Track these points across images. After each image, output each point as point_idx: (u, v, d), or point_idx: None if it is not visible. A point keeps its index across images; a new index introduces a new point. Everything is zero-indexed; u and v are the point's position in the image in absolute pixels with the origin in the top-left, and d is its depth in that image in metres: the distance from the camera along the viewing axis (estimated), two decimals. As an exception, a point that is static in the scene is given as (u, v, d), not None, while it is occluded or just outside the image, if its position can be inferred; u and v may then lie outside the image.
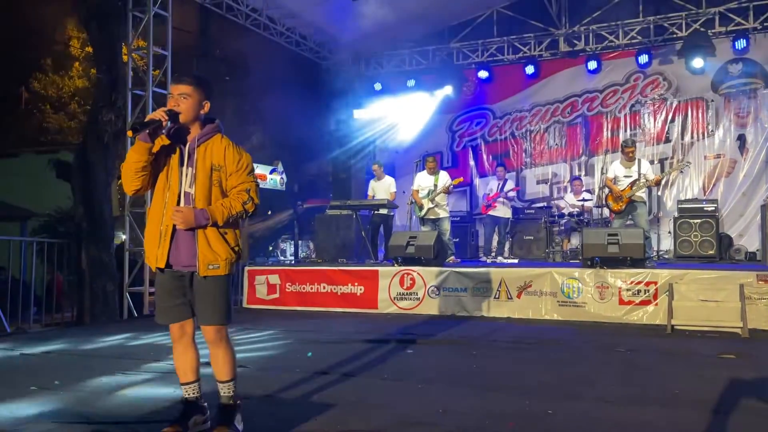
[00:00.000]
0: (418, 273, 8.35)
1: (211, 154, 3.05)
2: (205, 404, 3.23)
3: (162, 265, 3.01)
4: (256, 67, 13.04)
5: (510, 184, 10.93)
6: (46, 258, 8.49)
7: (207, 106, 3.09)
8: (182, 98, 3.01)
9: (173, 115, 2.96)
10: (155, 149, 3.01)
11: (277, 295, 9.08)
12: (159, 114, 2.93)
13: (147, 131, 2.90)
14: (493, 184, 10.79)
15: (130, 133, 2.95)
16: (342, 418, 3.45)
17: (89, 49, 15.40)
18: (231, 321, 3.13)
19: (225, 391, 3.13)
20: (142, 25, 9.06)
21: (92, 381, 4.40)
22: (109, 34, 8.95)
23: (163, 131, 3.01)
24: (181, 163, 3.03)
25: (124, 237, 9.17)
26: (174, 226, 2.99)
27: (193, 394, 3.16)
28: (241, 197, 3.04)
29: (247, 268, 9.45)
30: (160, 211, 3.04)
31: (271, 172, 16.14)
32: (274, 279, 9.12)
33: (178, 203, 3.01)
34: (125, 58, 9.21)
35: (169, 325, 3.13)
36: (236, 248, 3.08)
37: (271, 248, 10.62)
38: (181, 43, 9.96)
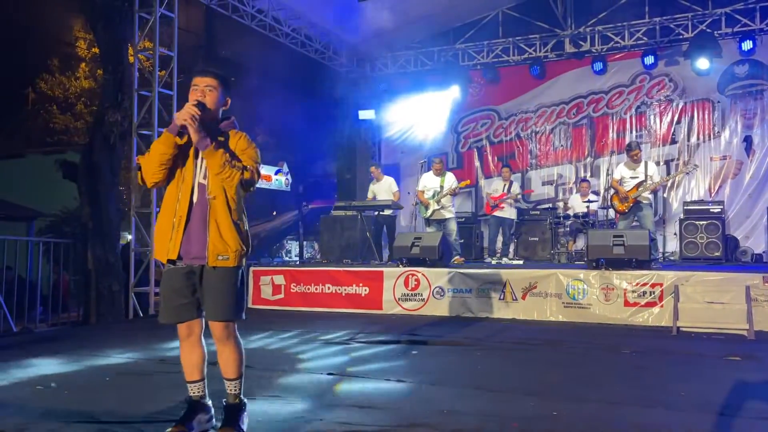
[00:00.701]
0: (422, 274, 8.35)
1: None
2: (210, 403, 3.23)
3: (174, 257, 2.99)
4: (262, 68, 13.08)
5: (516, 186, 10.91)
6: (52, 258, 8.52)
7: (228, 102, 3.16)
8: (208, 90, 3.05)
9: (201, 106, 2.98)
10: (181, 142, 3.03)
11: (282, 296, 9.09)
12: (191, 111, 2.93)
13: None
14: (498, 184, 10.78)
15: (179, 141, 2.98)
16: (346, 419, 3.45)
17: (96, 49, 15.47)
18: (241, 317, 3.10)
19: (231, 389, 3.12)
20: (148, 26, 9.08)
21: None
22: (115, 34, 8.97)
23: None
24: (196, 156, 3.05)
25: (129, 237, 9.19)
26: (187, 218, 2.99)
27: (198, 392, 3.16)
28: (242, 163, 3.04)
29: (252, 269, 9.47)
30: (173, 203, 3.04)
31: (276, 173, 16.18)
32: (279, 279, 9.14)
33: (192, 195, 3.02)
34: (131, 59, 9.24)
35: (176, 325, 3.12)
36: (247, 241, 3.08)
37: (275, 247, 10.66)
38: (187, 43, 9.99)
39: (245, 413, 3.13)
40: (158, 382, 4.42)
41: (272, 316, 8.39)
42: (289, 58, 12.45)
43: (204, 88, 3.04)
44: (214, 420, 3.17)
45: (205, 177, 3.02)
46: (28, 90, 20.68)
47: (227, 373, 3.12)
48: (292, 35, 11.86)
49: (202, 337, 3.18)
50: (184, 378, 3.17)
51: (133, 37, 9.11)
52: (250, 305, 9.30)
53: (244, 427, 3.09)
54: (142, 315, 8.69)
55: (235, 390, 3.11)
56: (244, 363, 3.16)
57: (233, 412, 3.09)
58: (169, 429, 3.03)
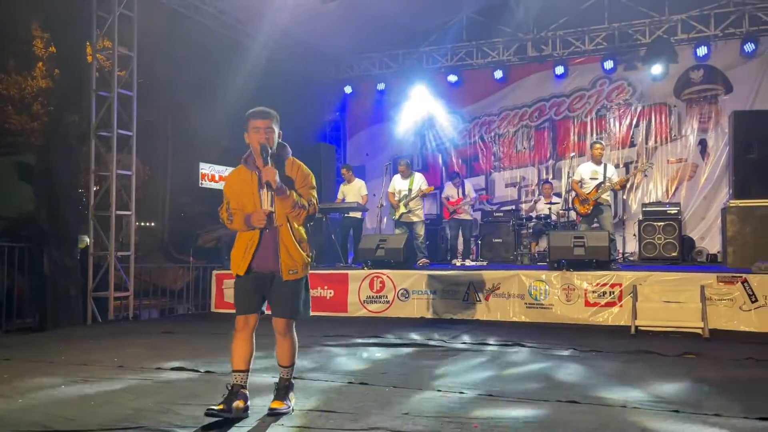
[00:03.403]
0: (387, 276, 8.37)
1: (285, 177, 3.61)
2: (248, 394, 3.60)
3: (242, 273, 3.60)
4: (225, 69, 12.93)
5: (469, 186, 10.94)
6: (6, 262, 8.27)
7: (281, 134, 3.69)
8: (269, 131, 3.58)
9: (267, 151, 3.50)
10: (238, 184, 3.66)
11: (245, 299, 8.99)
12: (271, 178, 3.43)
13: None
14: (452, 190, 10.81)
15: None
16: (306, 423, 3.44)
17: (53, 48, 15.08)
18: (300, 317, 3.68)
19: (284, 374, 3.69)
20: (106, 25, 8.90)
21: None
22: (72, 33, 8.77)
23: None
24: (261, 187, 3.57)
25: (88, 240, 8.98)
26: (259, 240, 3.57)
27: (240, 381, 3.59)
28: (306, 200, 3.60)
29: (215, 272, 9.36)
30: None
31: (240, 175, 15.99)
32: (243, 283, 9.03)
33: (269, 218, 3.57)
34: (90, 58, 9.04)
35: (236, 317, 3.65)
36: (310, 254, 3.68)
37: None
38: (148, 44, 9.81)
39: (292, 392, 3.72)
40: (115, 388, 4.32)
41: (232, 320, 8.29)
42: (253, 60, 12.33)
43: (265, 130, 3.57)
44: (248, 411, 3.57)
45: (272, 205, 3.58)
46: (-18, 90, 20.03)
47: (282, 361, 3.70)
48: (255, 37, 11.76)
49: (254, 334, 3.66)
50: (231, 366, 3.62)
51: (91, 36, 8.92)
52: (212, 309, 9.20)
53: (291, 403, 3.66)
54: (100, 320, 8.50)
55: (288, 375, 3.70)
56: (296, 355, 3.74)
57: (283, 389, 3.66)
58: (214, 405, 3.44)
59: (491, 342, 6.23)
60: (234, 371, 3.60)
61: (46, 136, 9.20)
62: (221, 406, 3.43)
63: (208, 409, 3.41)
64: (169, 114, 15.02)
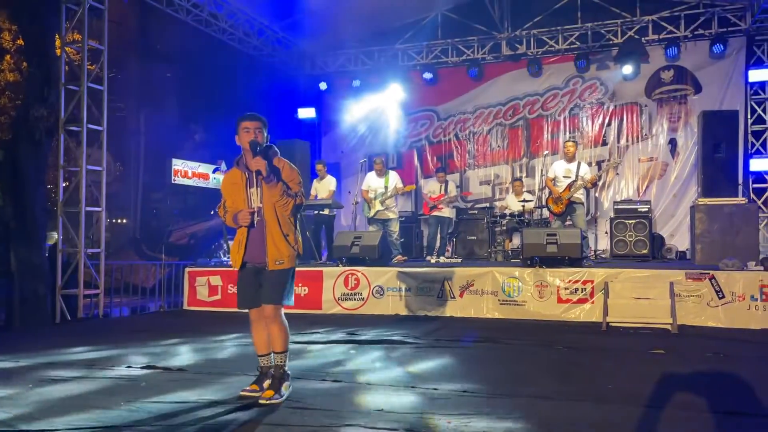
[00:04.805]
0: (362, 273, 8.36)
1: None
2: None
3: (237, 267, 3.95)
4: (198, 64, 12.81)
5: (452, 186, 11.00)
6: (-29, 260, 8.07)
7: (268, 137, 4.01)
8: (258, 131, 3.91)
9: (257, 145, 3.84)
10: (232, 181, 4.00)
11: (218, 297, 8.93)
12: (261, 166, 3.79)
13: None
14: (435, 186, 10.85)
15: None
16: (278, 420, 3.42)
17: (21, 41, 14.76)
18: (286, 303, 3.92)
19: (277, 360, 3.91)
20: (76, 17, 8.73)
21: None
22: (41, 26, 8.56)
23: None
24: (250, 185, 3.92)
25: (55, 236, 8.81)
26: (248, 234, 3.91)
27: (266, 363, 4.01)
28: (293, 191, 3.91)
29: (187, 270, 9.25)
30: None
31: (214, 171, 15.86)
32: (216, 280, 8.97)
33: (252, 217, 3.90)
34: (59, 51, 8.85)
35: (249, 311, 3.99)
36: (296, 246, 3.96)
37: (213, 248, 10.41)
38: (119, 38, 9.64)
39: (287, 382, 3.91)
40: (84, 386, 4.25)
41: (208, 318, 8.23)
42: (227, 54, 12.22)
43: (254, 130, 3.91)
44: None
45: (261, 201, 3.89)
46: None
47: (275, 347, 3.93)
48: (229, 31, 11.64)
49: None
50: (256, 352, 4.05)
51: (60, 29, 8.73)
52: (185, 307, 9.10)
53: (284, 393, 3.85)
54: (70, 318, 8.35)
55: (281, 361, 3.90)
56: (288, 341, 3.95)
57: (278, 378, 3.87)
58: (246, 387, 3.92)
59: (466, 339, 6.27)
60: (259, 356, 4.03)
61: (14, 131, 8.96)
62: (254, 386, 3.92)
63: (242, 391, 3.90)
64: (141, 109, 14.82)
